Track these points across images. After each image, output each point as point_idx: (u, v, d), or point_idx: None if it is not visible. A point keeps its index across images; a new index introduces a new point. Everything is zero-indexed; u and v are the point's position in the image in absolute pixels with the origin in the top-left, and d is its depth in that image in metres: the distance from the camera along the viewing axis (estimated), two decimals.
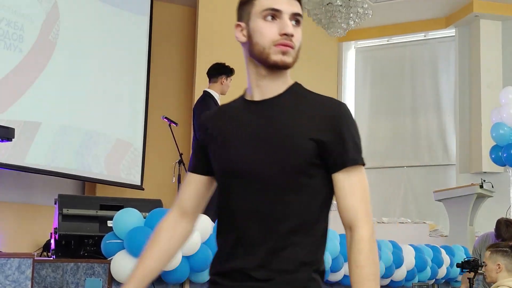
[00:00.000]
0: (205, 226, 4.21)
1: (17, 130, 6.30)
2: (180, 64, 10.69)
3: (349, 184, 1.92)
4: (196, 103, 6.45)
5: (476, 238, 7.60)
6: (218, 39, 10.28)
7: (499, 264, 4.37)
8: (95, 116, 8.64)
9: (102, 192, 9.27)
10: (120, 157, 9.00)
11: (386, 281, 6.27)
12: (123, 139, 9.07)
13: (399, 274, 6.35)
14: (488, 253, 4.49)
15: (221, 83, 6.35)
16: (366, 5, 8.75)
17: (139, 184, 9.29)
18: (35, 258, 3.81)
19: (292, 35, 1.93)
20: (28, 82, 7.71)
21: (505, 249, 4.44)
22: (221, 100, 6.47)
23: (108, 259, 4.00)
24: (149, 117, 9.53)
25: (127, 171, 9.11)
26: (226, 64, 6.47)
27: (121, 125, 9.10)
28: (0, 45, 7.31)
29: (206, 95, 6.32)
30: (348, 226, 1.91)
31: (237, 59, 10.89)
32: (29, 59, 7.70)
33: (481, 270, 5.30)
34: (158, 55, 10.26)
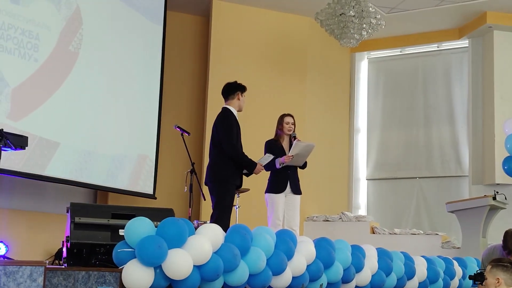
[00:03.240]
0: (216, 235, 4.21)
1: (31, 142, 6.31)
2: (193, 74, 10.72)
3: None
4: (217, 118, 6.52)
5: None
6: (231, 49, 10.30)
7: (498, 279, 4.37)
8: (117, 138, 8.62)
9: (114, 201, 9.29)
10: (139, 170, 9.05)
11: None
12: (142, 153, 9.11)
13: (411, 285, 6.31)
14: (489, 267, 4.50)
15: (238, 99, 6.55)
16: (379, 16, 8.74)
17: (152, 193, 9.30)
18: (47, 266, 3.82)
19: None
20: (46, 94, 7.64)
21: (505, 264, 4.44)
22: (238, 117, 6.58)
23: (120, 267, 4.00)
24: (162, 126, 9.55)
25: (141, 180, 9.12)
26: (239, 83, 6.70)
27: (139, 140, 9.11)
28: (15, 54, 7.31)
29: (228, 111, 6.46)
30: None
31: (250, 69, 10.97)
32: (46, 69, 7.62)
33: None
34: (171, 64, 10.30)
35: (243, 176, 6.57)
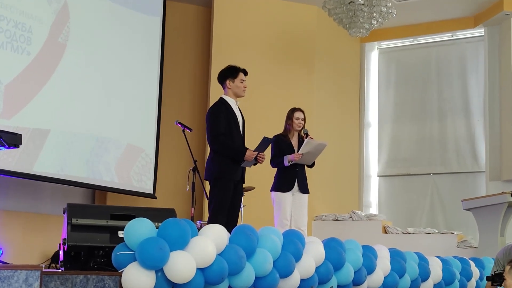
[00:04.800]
0: (220, 236, 4.21)
1: (25, 137, 6.36)
2: (195, 67, 10.72)
3: None
4: (208, 110, 6.48)
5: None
6: (235, 40, 10.30)
7: None
8: (106, 121, 8.68)
9: (113, 201, 9.31)
10: (130, 163, 9.02)
11: None
12: (134, 144, 9.10)
13: (426, 287, 6.30)
14: (508, 267, 4.47)
15: (229, 86, 6.37)
16: (390, 4, 8.72)
17: (152, 192, 9.32)
18: (43, 270, 3.82)
19: None
20: (37, 87, 7.75)
21: None
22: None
23: (119, 271, 4.00)
24: (162, 122, 9.56)
25: (139, 178, 9.14)
26: (231, 65, 6.46)
27: (132, 130, 9.13)
28: (7, 48, 7.35)
29: (219, 101, 6.37)
30: None
31: (254, 62, 10.95)
32: (37, 62, 7.73)
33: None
34: (171, 57, 10.30)
35: (246, 168, 6.41)
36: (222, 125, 6.21)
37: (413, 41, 11.73)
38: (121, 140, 8.90)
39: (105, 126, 8.65)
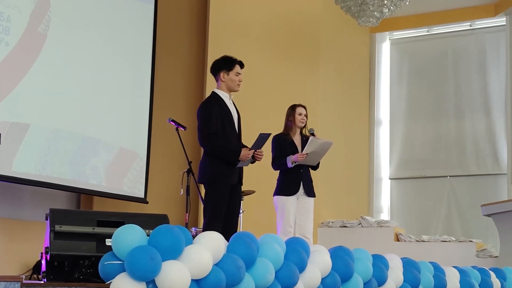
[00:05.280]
0: (217, 244, 4.21)
1: (2, 131, 6.36)
2: (189, 59, 10.72)
3: None
4: (199, 106, 6.43)
5: None
6: (233, 31, 10.30)
7: None
8: (93, 119, 8.68)
9: (100, 206, 9.31)
10: (124, 168, 9.04)
11: None
12: (127, 147, 9.10)
13: None
14: None
15: (222, 79, 6.28)
16: None
17: (143, 196, 9.32)
18: (24, 281, 3.83)
19: None
20: (16, 79, 7.77)
21: None
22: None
23: (107, 282, 4.00)
24: (153, 120, 9.55)
25: (129, 182, 9.14)
26: (227, 56, 6.41)
27: (122, 130, 9.12)
28: None
29: (211, 96, 6.31)
30: None
31: (254, 55, 10.92)
32: (16, 53, 7.76)
33: None
34: (164, 48, 10.29)
35: (244, 169, 6.36)
36: (213, 124, 6.12)
37: (428, 31, 11.73)
38: (112, 142, 8.91)
39: (91, 124, 8.65)
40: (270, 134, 6.48)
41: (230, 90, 6.31)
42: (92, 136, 8.61)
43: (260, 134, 6.26)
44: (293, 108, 7.47)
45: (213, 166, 6.15)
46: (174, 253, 3.93)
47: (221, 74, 6.29)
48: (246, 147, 6.30)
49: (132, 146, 9.23)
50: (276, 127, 7.62)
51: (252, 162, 6.34)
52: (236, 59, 6.36)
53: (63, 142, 8.24)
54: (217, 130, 6.14)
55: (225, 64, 6.33)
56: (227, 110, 6.25)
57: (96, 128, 8.71)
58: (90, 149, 8.58)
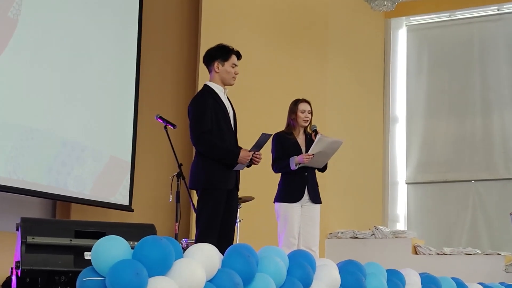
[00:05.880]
0: (211, 258, 4.21)
1: None
2: (179, 49, 10.73)
3: None
4: (191, 100, 6.42)
5: None
6: (229, 16, 10.30)
7: None
8: (69, 115, 8.65)
9: (78, 214, 9.30)
10: (105, 171, 9.04)
11: None
12: (109, 147, 9.10)
13: None
14: None
15: (216, 70, 6.26)
16: None
17: (127, 204, 9.32)
18: None
19: None
20: None
21: None
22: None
23: None
24: (139, 117, 9.55)
25: (112, 187, 9.13)
26: (222, 44, 6.39)
27: (102, 127, 9.10)
28: None
29: (204, 90, 6.29)
30: None
31: (254, 43, 10.92)
32: None
33: None
34: (151, 38, 10.28)
35: (240, 172, 6.35)
36: (208, 120, 6.11)
37: (450, 16, 11.75)
38: (85, 140, 8.90)
39: (68, 121, 8.64)
40: (271, 135, 6.49)
41: (224, 83, 6.30)
42: (70, 136, 8.59)
43: (263, 134, 6.26)
44: (295, 104, 7.45)
45: (208, 169, 6.13)
46: (162, 268, 3.94)
47: (215, 64, 6.28)
48: (241, 148, 6.30)
49: (115, 145, 9.21)
50: (278, 127, 7.60)
51: (249, 166, 6.32)
52: (233, 49, 6.36)
53: (37, 143, 8.23)
54: (212, 127, 6.13)
55: (221, 53, 6.31)
56: (223, 105, 6.24)
57: (72, 126, 8.68)
58: (68, 151, 8.56)
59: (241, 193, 6.54)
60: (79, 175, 8.76)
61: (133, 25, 9.64)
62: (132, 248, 4.04)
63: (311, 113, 7.44)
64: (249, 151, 6.19)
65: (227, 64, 6.27)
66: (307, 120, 7.40)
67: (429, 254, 9.77)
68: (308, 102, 7.45)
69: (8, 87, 8.00)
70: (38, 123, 8.28)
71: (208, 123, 6.11)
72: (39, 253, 4.61)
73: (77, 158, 8.70)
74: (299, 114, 7.39)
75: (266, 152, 6.77)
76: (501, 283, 7.21)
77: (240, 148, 6.24)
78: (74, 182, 8.67)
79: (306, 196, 7.30)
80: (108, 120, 9.24)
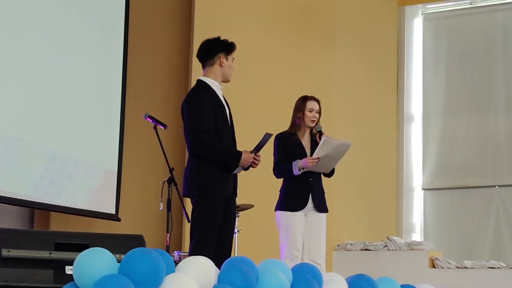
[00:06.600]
0: (206, 272, 4.23)
1: None
2: (170, 42, 10.74)
3: None
4: (185, 97, 6.42)
5: None
6: (226, 5, 10.31)
7: None
8: (49, 118, 8.65)
9: (58, 224, 9.31)
10: (89, 176, 9.04)
11: None
12: (92, 149, 9.10)
13: None
14: None
15: (220, 64, 6.29)
16: None
17: (113, 212, 9.33)
18: None
19: None
20: None
21: None
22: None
23: None
24: (126, 117, 9.55)
25: (95, 194, 9.14)
26: (220, 38, 6.41)
27: (85, 127, 9.10)
28: None
29: (199, 85, 6.28)
30: None
31: (254, 35, 10.94)
32: None
33: None
34: (140, 32, 10.29)
35: (238, 176, 6.34)
36: (206, 119, 6.11)
37: (470, 3, 11.75)
38: (67, 142, 8.93)
39: (48, 124, 8.65)
40: (272, 134, 6.50)
41: (225, 79, 6.32)
42: (53, 150, 8.61)
43: (266, 133, 6.26)
44: (303, 101, 7.41)
45: (205, 173, 6.12)
46: (151, 283, 3.95)
47: (220, 57, 6.29)
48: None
49: (99, 148, 9.22)
50: (280, 126, 7.60)
51: (246, 169, 6.32)
52: (232, 42, 6.38)
53: (16, 153, 8.25)
54: (209, 127, 6.13)
55: (225, 47, 6.33)
56: (220, 103, 6.24)
57: (51, 128, 8.69)
58: (46, 154, 8.58)
59: (239, 201, 6.56)
60: (58, 181, 8.78)
61: (120, 14, 9.65)
62: (119, 261, 4.05)
63: (320, 113, 7.42)
64: (251, 152, 6.20)
65: (230, 59, 6.30)
66: (315, 120, 7.37)
67: (448, 267, 9.78)
68: (317, 101, 7.41)
69: None
70: (16, 129, 8.30)
71: (206, 122, 6.10)
72: (16, 267, 4.62)
73: (58, 164, 8.71)
74: (307, 113, 7.35)
75: (267, 154, 6.78)
76: None
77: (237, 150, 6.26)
78: (53, 188, 8.69)
79: (310, 204, 7.31)
80: (95, 122, 9.22)
